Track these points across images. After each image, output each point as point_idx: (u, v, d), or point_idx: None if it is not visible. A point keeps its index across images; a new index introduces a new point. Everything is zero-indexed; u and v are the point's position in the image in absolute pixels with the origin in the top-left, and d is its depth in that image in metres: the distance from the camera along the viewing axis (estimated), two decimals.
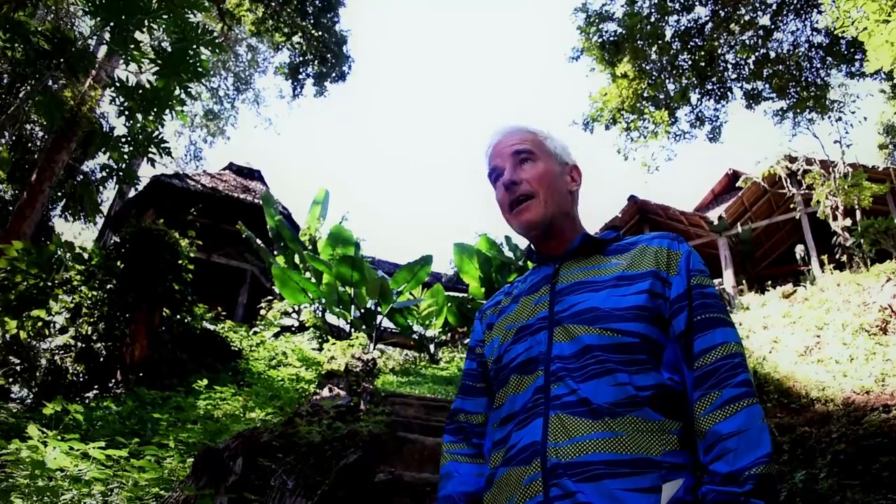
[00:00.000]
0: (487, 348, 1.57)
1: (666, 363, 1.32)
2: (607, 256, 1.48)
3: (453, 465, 1.52)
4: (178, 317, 9.51)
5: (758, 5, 11.68)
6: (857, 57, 11.25)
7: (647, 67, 12.08)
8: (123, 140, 6.29)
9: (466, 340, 16.97)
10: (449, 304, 15.31)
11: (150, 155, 6.37)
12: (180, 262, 9.04)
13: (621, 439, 1.20)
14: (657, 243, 1.45)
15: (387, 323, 15.58)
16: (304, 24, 14.76)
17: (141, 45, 5.88)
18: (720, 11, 11.63)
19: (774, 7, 11.61)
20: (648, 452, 1.20)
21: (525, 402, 1.33)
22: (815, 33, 11.81)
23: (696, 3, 11.75)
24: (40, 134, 16.05)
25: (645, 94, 12.22)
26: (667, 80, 12.23)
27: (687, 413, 1.28)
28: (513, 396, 1.37)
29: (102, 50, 13.98)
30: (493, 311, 1.63)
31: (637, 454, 1.19)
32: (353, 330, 13.80)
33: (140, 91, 5.98)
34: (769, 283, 15.10)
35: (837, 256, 14.04)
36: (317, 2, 14.89)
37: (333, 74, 15.76)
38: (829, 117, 13.04)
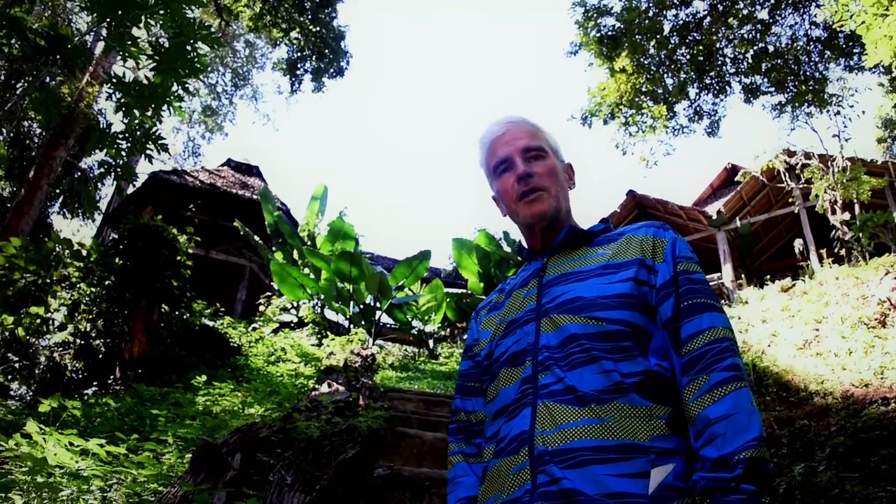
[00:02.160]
0: (481, 345, 1.58)
1: (653, 350, 1.32)
2: (593, 247, 1.49)
3: (459, 468, 1.53)
4: (177, 313, 9.50)
5: None
6: (855, 51, 11.24)
7: (646, 62, 12.07)
8: (121, 136, 6.28)
9: (465, 336, 16.97)
10: (448, 300, 15.31)
11: (148, 151, 6.37)
12: (179, 258, 9.04)
13: (608, 425, 1.21)
14: (643, 232, 1.46)
15: (386, 318, 15.58)
16: (301, 19, 14.75)
17: (138, 41, 5.87)
18: (718, 5, 11.61)
19: (773, 1, 11.59)
20: (636, 438, 1.20)
21: (514, 393, 1.34)
22: (813, 27, 11.80)
23: None
24: (38, 130, 16.01)
25: (643, 89, 12.21)
26: (665, 75, 12.21)
27: (677, 399, 1.28)
28: (503, 389, 1.38)
29: (100, 46, 13.93)
30: (488, 310, 1.64)
31: (624, 440, 1.19)
32: (352, 325, 13.80)
33: (137, 87, 5.97)
34: (768, 277, 15.10)
35: (836, 250, 14.04)
36: None
37: (331, 70, 15.76)
38: (828, 111, 13.05)
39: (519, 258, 1.59)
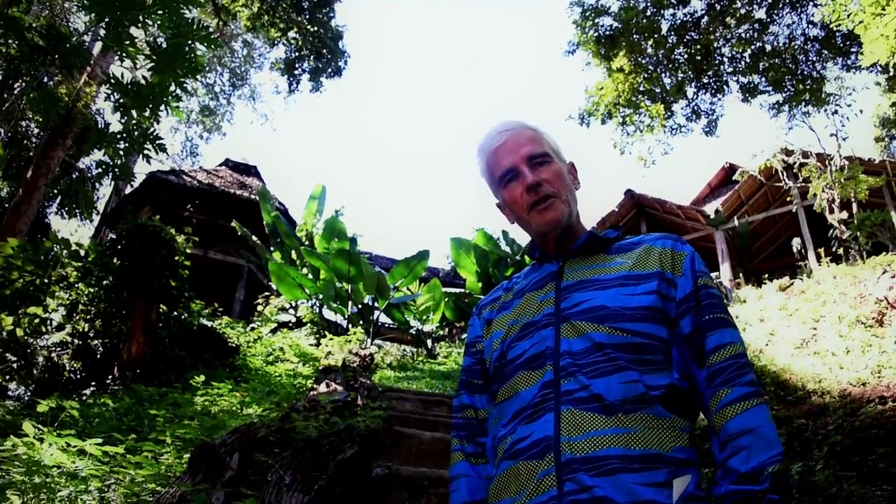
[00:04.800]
0: (486, 343, 1.57)
1: (675, 362, 1.34)
2: (611, 255, 1.48)
3: (461, 467, 1.51)
4: (175, 313, 9.49)
5: None
6: (852, 50, 11.26)
7: (644, 61, 12.08)
8: (119, 136, 6.28)
9: (464, 335, 16.98)
10: (446, 299, 15.30)
11: (146, 151, 6.37)
12: (177, 258, 9.03)
13: (633, 435, 1.22)
14: (661, 244, 1.46)
15: (384, 318, 15.59)
16: (299, 19, 14.75)
17: (136, 41, 5.87)
18: (716, 5, 11.62)
19: (770, 0, 11.60)
20: (659, 448, 1.21)
21: (532, 396, 1.33)
22: (810, 26, 11.82)
23: None
24: (36, 131, 16.00)
25: (641, 88, 12.22)
26: (663, 74, 12.23)
27: (692, 411, 1.32)
28: (519, 392, 1.37)
29: (97, 46, 13.95)
30: (492, 307, 1.62)
31: (648, 449, 1.21)
32: (350, 325, 13.80)
33: (135, 87, 5.97)
34: (766, 276, 15.11)
35: (834, 249, 14.06)
36: None
37: (329, 70, 15.75)
38: (825, 110, 13.07)
39: (527, 258, 1.54)
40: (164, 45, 5.90)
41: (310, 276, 13.85)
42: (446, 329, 17.40)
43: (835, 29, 10.13)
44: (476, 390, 1.58)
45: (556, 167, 1.54)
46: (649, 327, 1.33)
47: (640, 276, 1.40)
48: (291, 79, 15.91)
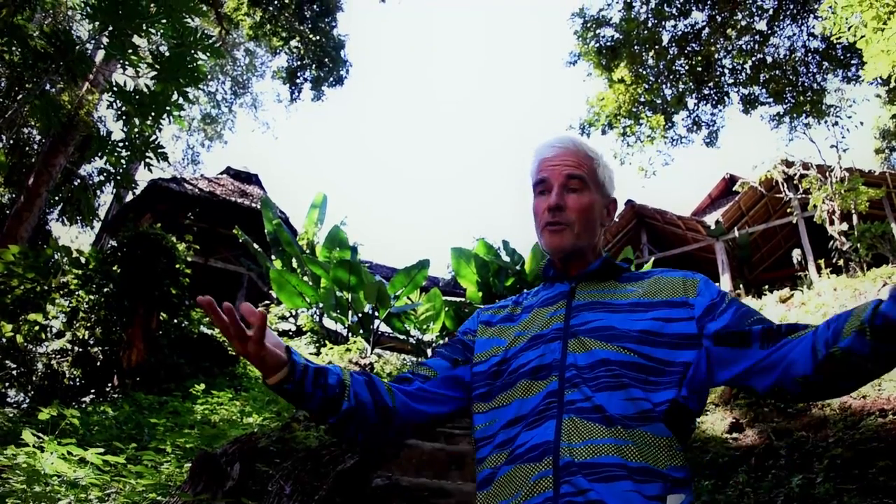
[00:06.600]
0: (478, 341, 1.59)
1: (688, 380, 1.34)
2: (622, 283, 1.53)
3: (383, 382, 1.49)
4: (175, 321, 9.49)
5: (754, 10, 11.72)
6: (853, 62, 11.31)
7: (644, 72, 12.12)
8: (121, 144, 6.29)
9: None
10: (446, 309, 15.27)
11: (147, 159, 6.38)
12: (177, 266, 9.03)
13: (630, 448, 1.24)
14: (671, 275, 1.51)
15: (384, 327, 15.54)
16: (301, 28, 14.82)
17: (139, 49, 5.89)
18: (717, 16, 11.67)
19: (771, 12, 11.65)
20: (655, 464, 1.23)
21: (535, 405, 1.35)
22: (811, 39, 11.87)
23: (693, 8, 11.79)
24: (38, 138, 16.03)
25: (642, 99, 12.26)
26: (664, 85, 12.26)
27: (688, 432, 1.34)
28: (521, 400, 1.39)
29: (100, 54, 13.99)
30: (494, 312, 1.65)
31: (645, 463, 1.23)
32: (350, 334, 13.78)
33: (138, 95, 5.99)
34: (766, 287, 15.09)
35: (834, 261, 14.05)
36: (315, 6, 14.94)
37: (331, 79, 15.81)
38: (826, 122, 13.09)
39: (543, 278, 1.58)
40: (167, 54, 5.92)
41: (310, 284, 13.85)
42: (446, 338, 17.35)
43: (835, 41, 10.16)
44: (439, 356, 1.60)
45: (587, 199, 1.56)
46: (654, 350, 1.35)
47: (649, 304, 1.43)
48: (293, 87, 15.97)
